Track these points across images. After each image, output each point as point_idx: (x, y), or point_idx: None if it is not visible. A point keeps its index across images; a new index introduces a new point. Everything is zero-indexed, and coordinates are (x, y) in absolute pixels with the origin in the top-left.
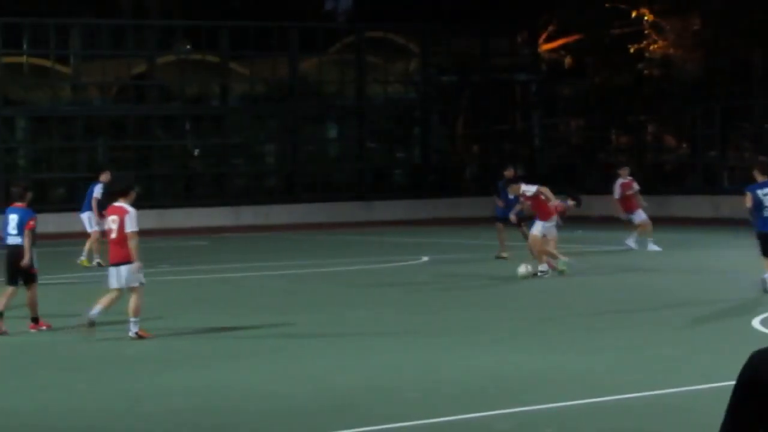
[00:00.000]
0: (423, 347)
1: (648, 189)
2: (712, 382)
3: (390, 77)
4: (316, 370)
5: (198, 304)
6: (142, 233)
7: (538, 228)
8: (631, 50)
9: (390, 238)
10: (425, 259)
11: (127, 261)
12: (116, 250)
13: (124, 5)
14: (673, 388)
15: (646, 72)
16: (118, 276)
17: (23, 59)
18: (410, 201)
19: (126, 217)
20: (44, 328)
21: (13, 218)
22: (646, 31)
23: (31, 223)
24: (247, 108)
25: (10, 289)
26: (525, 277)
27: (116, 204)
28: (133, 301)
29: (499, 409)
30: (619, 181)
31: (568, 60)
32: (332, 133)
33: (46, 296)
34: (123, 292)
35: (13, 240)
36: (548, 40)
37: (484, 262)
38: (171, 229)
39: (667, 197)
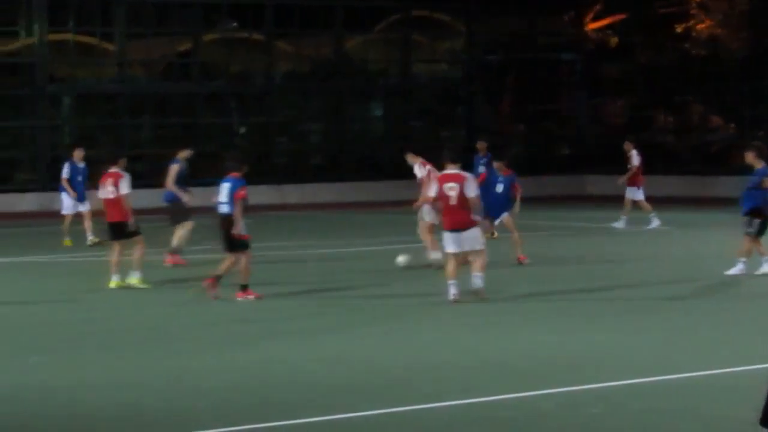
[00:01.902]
0: (464, 327)
1: (693, 169)
2: (755, 363)
3: (435, 56)
4: (358, 349)
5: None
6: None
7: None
8: (678, 30)
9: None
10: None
11: (472, 225)
12: (459, 216)
13: None
14: (717, 368)
15: (692, 51)
16: (457, 240)
17: (69, 37)
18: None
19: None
20: (251, 297)
21: (225, 187)
22: (692, 11)
23: (242, 192)
24: (291, 86)
25: (229, 256)
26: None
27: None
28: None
29: (543, 389)
30: (635, 152)
31: (613, 39)
32: (377, 111)
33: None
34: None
35: (223, 208)
36: (594, 19)
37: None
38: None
39: (714, 178)
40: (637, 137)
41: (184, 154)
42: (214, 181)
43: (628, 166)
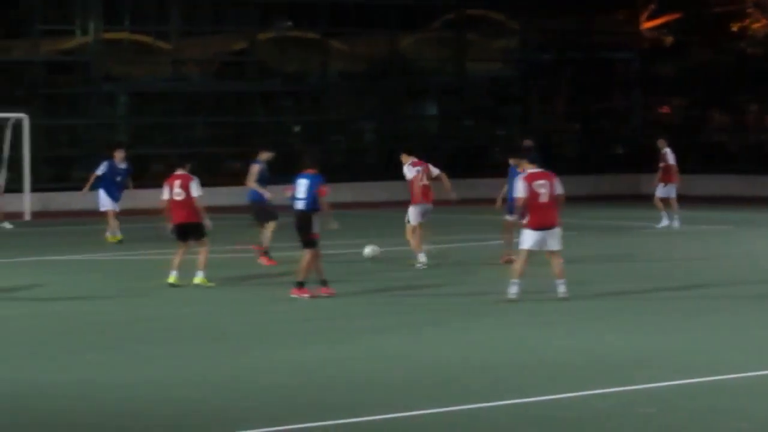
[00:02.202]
0: (519, 326)
1: (749, 168)
2: None
3: (489, 55)
4: (413, 347)
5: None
6: (236, 209)
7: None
8: (733, 29)
9: (489, 216)
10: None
11: (558, 224)
12: (548, 214)
13: None
14: None
15: (748, 50)
16: (542, 238)
17: (124, 35)
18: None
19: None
20: (306, 295)
21: (303, 183)
22: (748, 10)
23: (324, 188)
24: (346, 85)
25: (307, 252)
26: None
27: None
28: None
29: (599, 388)
30: (669, 150)
31: (668, 38)
32: (431, 110)
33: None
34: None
35: (300, 205)
36: (649, 18)
37: (579, 240)
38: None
39: None
40: (693, 137)
41: (266, 155)
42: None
43: (661, 164)
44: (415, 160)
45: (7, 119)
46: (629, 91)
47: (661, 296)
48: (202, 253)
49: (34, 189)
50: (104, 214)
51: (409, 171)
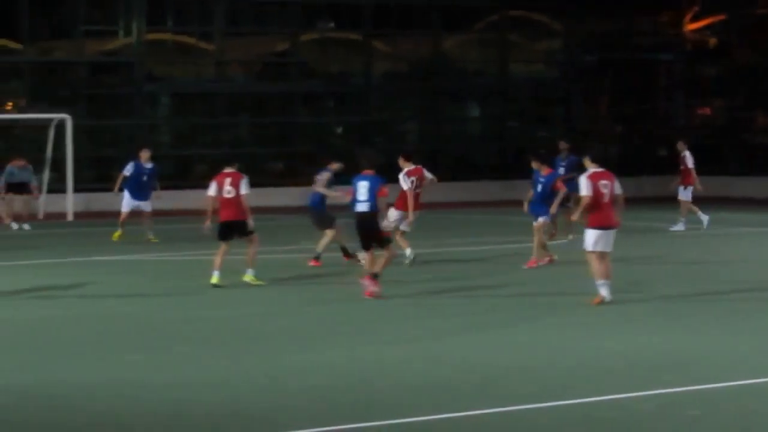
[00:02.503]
0: (562, 327)
1: None
2: None
3: (532, 56)
4: (457, 348)
5: (328, 281)
6: (283, 210)
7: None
8: None
9: (531, 219)
10: (570, 237)
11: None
12: (610, 214)
13: None
14: None
15: None
16: (605, 238)
17: (167, 36)
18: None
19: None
20: (374, 289)
21: (363, 185)
22: None
23: (385, 190)
24: (388, 86)
25: (367, 254)
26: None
27: None
28: None
29: (643, 390)
30: (688, 153)
31: (712, 40)
32: (474, 111)
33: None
34: None
35: (362, 207)
36: (693, 19)
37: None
38: None
39: None
40: (735, 138)
41: (335, 166)
42: (311, 180)
43: (681, 167)
44: (412, 168)
45: (50, 120)
46: (672, 92)
47: (703, 298)
48: (251, 250)
49: (77, 189)
50: (133, 214)
51: (405, 181)
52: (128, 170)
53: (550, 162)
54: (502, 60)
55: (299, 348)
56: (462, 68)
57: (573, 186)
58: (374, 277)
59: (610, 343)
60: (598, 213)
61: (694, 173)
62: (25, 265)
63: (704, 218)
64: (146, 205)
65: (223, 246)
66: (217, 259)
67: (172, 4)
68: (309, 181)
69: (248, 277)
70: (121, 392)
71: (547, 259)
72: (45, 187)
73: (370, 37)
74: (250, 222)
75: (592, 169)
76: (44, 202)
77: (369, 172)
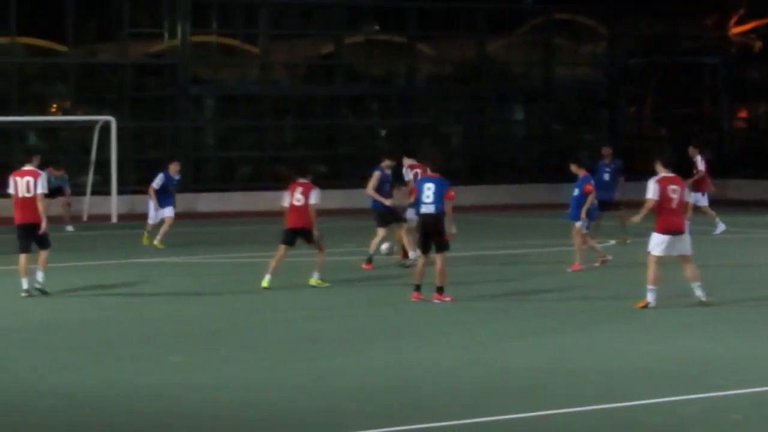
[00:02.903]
0: (607, 330)
1: None
2: None
3: (577, 59)
4: (498, 352)
5: (377, 282)
6: (328, 212)
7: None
8: None
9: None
10: (611, 242)
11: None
12: (678, 219)
13: None
14: None
15: None
16: (672, 243)
17: (212, 38)
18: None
19: None
20: (448, 299)
21: (428, 187)
22: None
23: (452, 193)
24: (433, 89)
25: (422, 258)
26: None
27: None
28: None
29: (685, 394)
30: (700, 157)
31: (757, 43)
32: (518, 114)
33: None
34: None
35: (426, 209)
36: (738, 23)
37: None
38: (357, 209)
39: None
40: None
41: (387, 163)
42: (355, 183)
43: (694, 171)
44: (412, 162)
45: (95, 122)
46: (717, 96)
47: (747, 303)
48: (319, 255)
49: (121, 191)
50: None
51: (407, 173)
52: (157, 183)
53: (588, 165)
54: (547, 63)
55: (347, 350)
56: (506, 71)
57: (614, 190)
58: (440, 291)
59: (657, 346)
60: (665, 217)
61: (708, 177)
62: (69, 267)
63: (722, 226)
64: (169, 211)
65: (282, 250)
66: (273, 263)
67: (217, 6)
68: (352, 184)
69: (314, 280)
70: (165, 394)
71: (600, 260)
72: (89, 189)
73: (415, 39)
74: (316, 231)
75: (663, 173)
76: (88, 204)
77: (434, 174)
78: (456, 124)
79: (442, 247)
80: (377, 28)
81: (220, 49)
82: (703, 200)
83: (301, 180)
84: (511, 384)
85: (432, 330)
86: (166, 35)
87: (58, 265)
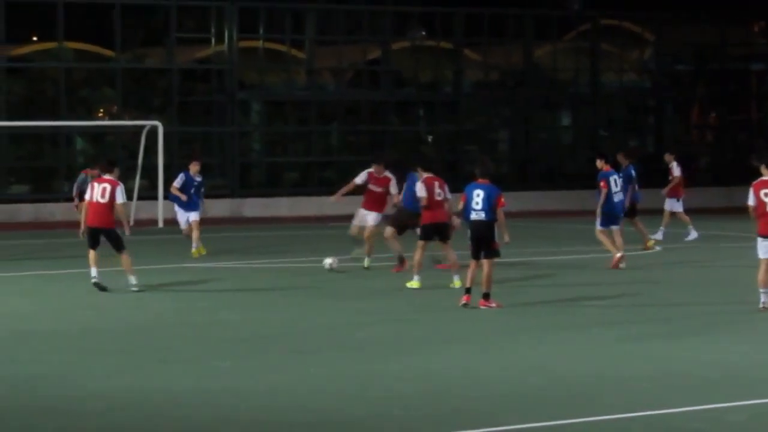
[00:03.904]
0: (652, 338)
1: None
2: None
3: (624, 65)
4: (545, 359)
5: (423, 289)
6: None
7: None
8: None
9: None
10: (657, 249)
11: None
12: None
13: None
14: None
15: None
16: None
17: (259, 44)
18: (643, 190)
19: None
20: (494, 305)
21: (477, 194)
22: None
23: (502, 200)
24: (480, 95)
25: (473, 263)
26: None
27: None
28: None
29: (732, 401)
30: (676, 164)
31: None
32: (565, 120)
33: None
34: None
35: (477, 215)
36: None
37: (717, 252)
38: None
39: None
40: None
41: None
42: (400, 188)
43: (669, 178)
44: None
45: (141, 127)
46: (764, 102)
47: None
48: (451, 257)
49: (167, 196)
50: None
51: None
52: (178, 182)
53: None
54: (594, 69)
55: (395, 356)
56: (553, 77)
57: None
58: (486, 296)
59: (705, 353)
60: (763, 221)
61: (682, 184)
62: (115, 271)
63: (693, 234)
64: (195, 215)
65: (423, 246)
66: (418, 262)
67: (264, 11)
68: (400, 189)
69: (457, 282)
70: (214, 400)
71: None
72: (136, 194)
73: (462, 45)
74: (456, 222)
75: (765, 176)
76: (134, 209)
77: (484, 180)
78: (502, 130)
79: (492, 254)
80: (424, 33)
81: (267, 54)
82: (677, 206)
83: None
84: (559, 391)
85: (480, 336)
86: (214, 40)
87: (104, 269)
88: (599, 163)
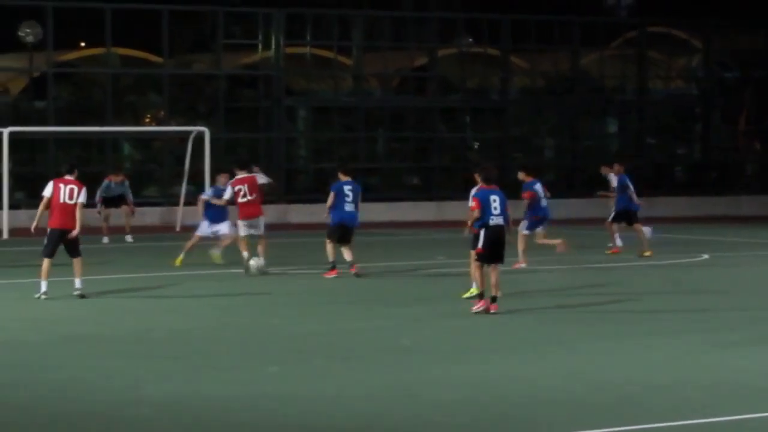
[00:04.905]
0: (701, 345)
1: None
2: None
3: (671, 72)
4: (590, 365)
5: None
6: (419, 225)
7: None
8: None
9: (669, 235)
10: (705, 257)
11: None
12: None
13: None
14: None
15: None
16: None
17: (305, 50)
18: (689, 198)
19: None
20: (492, 310)
21: (494, 199)
22: None
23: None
24: (526, 101)
25: (482, 267)
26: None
27: None
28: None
29: None
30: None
31: None
32: (612, 127)
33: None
34: None
35: (497, 220)
36: None
37: (765, 260)
38: (449, 221)
39: None
40: None
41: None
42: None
43: (611, 189)
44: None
45: (188, 132)
46: None
47: None
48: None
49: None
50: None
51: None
52: (207, 194)
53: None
54: (641, 76)
55: (437, 362)
56: (600, 84)
57: (625, 203)
58: (494, 300)
59: (756, 361)
60: None
61: (614, 196)
62: (161, 276)
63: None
64: (224, 227)
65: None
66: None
67: (311, 18)
68: (444, 196)
69: (474, 290)
70: (261, 405)
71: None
72: (182, 200)
73: (509, 52)
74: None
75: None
76: (181, 215)
77: (492, 186)
78: (549, 137)
79: (502, 259)
80: (471, 40)
81: (313, 60)
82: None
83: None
84: (603, 397)
85: (524, 343)
86: (261, 46)
87: (150, 274)
88: (521, 175)
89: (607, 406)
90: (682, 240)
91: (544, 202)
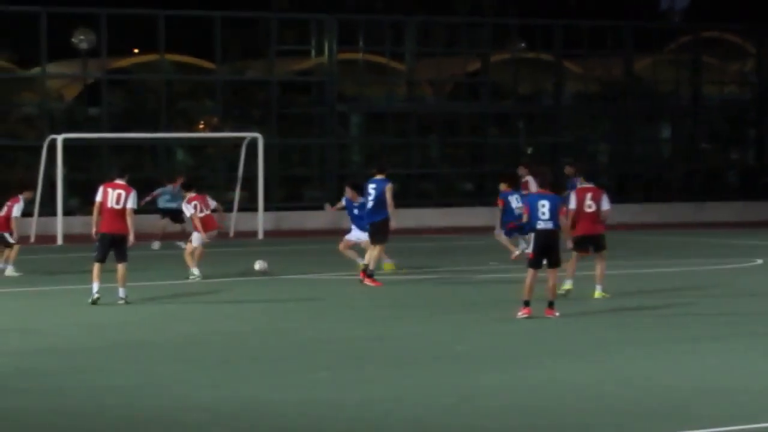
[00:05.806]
0: (751, 350)
1: None
2: None
3: (725, 77)
4: (642, 371)
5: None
6: (472, 230)
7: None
8: None
9: (722, 240)
10: (759, 261)
11: None
12: None
13: (458, 4)
14: None
15: None
16: None
17: (358, 56)
18: (743, 203)
19: None
20: (557, 315)
21: (543, 204)
22: None
23: (564, 208)
24: (580, 107)
25: (533, 273)
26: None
27: None
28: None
29: None
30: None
31: None
32: (665, 133)
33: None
34: None
35: (545, 225)
36: None
37: None
38: None
39: None
40: None
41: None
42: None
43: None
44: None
45: (242, 138)
46: None
47: None
48: (601, 264)
49: (267, 208)
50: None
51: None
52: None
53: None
54: (695, 81)
55: (490, 368)
56: (653, 89)
57: None
58: (552, 305)
59: None
60: None
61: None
62: (215, 282)
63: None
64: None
65: (579, 259)
66: (571, 270)
67: (363, 24)
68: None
69: (597, 293)
70: (312, 411)
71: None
72: (236, 206)
73: (562, 57)
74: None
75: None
76: (235, 221)
77: (545, 190)
78: (602, 142)
79: (557, 263)
80: (524, 46)
81: (366, 66)
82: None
83: (588, 185)
84: (654, 403)
85: (576, 348)
86: (314, 52)
87: (206, 280)
88: (502, 186)
89: (659, 411)
90: (735, 245)
91: (517, 212)
